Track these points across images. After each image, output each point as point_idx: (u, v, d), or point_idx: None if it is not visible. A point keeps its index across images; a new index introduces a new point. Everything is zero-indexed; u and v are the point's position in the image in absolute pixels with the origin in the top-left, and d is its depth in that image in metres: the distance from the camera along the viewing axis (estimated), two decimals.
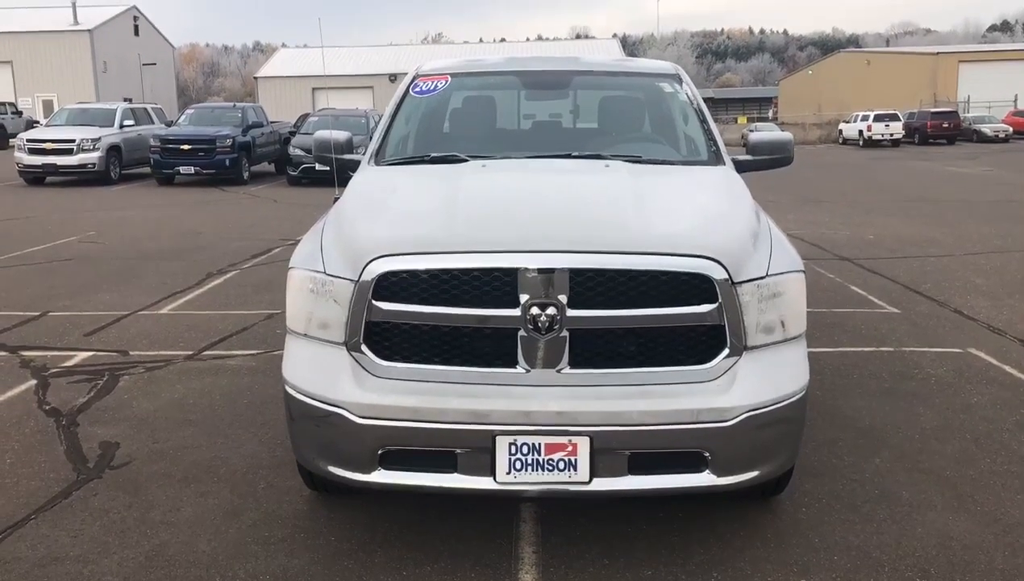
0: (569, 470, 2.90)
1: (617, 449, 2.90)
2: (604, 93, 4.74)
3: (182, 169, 20.11)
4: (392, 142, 4.36)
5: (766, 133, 4.55)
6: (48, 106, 45.68)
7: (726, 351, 2.97)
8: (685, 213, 3.35)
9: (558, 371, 2.94)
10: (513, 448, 2.89)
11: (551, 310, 2.87)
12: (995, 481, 3.82)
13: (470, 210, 3.24)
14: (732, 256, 2.97)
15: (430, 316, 2.91)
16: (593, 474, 2.91)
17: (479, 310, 2.89)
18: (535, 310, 2.87)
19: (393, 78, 50.53)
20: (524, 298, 2.86)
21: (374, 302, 2.93)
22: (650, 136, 4.48)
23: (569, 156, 4.03)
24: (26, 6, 52.44)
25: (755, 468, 3.03)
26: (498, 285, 2.88)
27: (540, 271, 2.86)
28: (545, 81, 4.80)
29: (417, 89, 4.58)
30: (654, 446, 2.92)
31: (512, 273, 2.87)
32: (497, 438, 2.89)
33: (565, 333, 2.90)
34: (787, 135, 4.50)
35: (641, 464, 2.94)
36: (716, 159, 4.16)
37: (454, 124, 4.66)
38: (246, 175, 20.95)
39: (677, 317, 2.93)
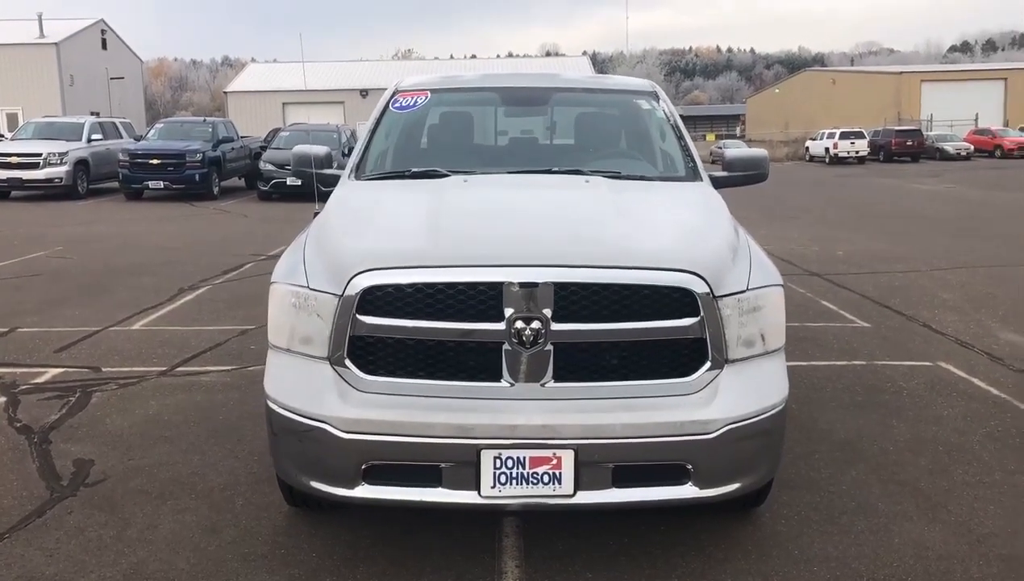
0: (553, 483, 2.91)
1: (601, 462, 2.91)
2: (581, 110, 4.79)
3: (151, 184, 19.95)
4: (372, 157, 4.37)
5: (743, 150, 4.62)
6: (12, 120, 45.02)
7: (708, 364, 3.00)
8: (666, 228, 3.39)
9: (542, 385, 2.95)
10: (498, 462, 2.90)
11: (535, 324, 2.88)
12: (968, 492, 3.88)
13: (454, 224, 3.25)
14: (713, 270, 3.01)
15: (415, 330, 2.91)
16: (577, 487, 2.92)
17: (464, 324, 2.90)
18: (519, 324, 2.88)
19: (365, 94, 50.45)
20: (509, 312, 2.88)
21: (358, 316, 2.92)
22: (628, 152, 4.53)
23: (550, 171, 4.06)
24: None
25: (737, 480, 3.06)
26: (483, 299, 2.89)
27: (524, 285, 2.88)
28: (524, 97, 4.84)
29: (397, 105, 4.59)
30: (637, 459, 2.93)
31: (497, 287, 2.89)
32: (482, 452, 2.89)
33: (549, 347, 2.91)
34: (762, 152, 4.57)
35: (625, 477, 2.95)
36: (693, 175, 4.22)
37: (433, 139, 4.67)
38: (216, 190, 20.83)
39: (660, 330, 2.95)
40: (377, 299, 2.92)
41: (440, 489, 2.93)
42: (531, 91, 4.87)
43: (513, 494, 2.91)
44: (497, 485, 2.90)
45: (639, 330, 2.93)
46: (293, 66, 49.85)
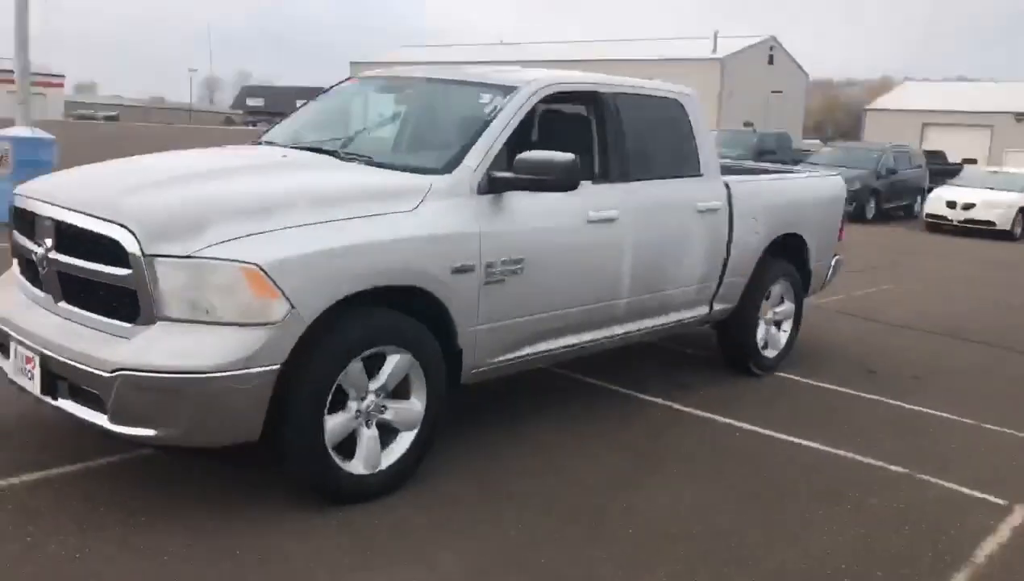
0: (32, 380, 3.57)
1: (56, 374, 3.47)
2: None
3: None
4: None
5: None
6: None
7: (138, 315, 3.31)
8: (208, 191, 3.67)
9: (56, 302, 3.63)
10: (16, 351, 3.68)
11: (37, 250, 3.60)
12: None
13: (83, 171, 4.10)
14: (148, 227, 3.29)
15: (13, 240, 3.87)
16: (49, 392, 3.52)
17: (28, 242, 3.75)
18: (38, 249, 3.63)
19: (1021, 117, 44.29)
20: (42, 240, 3.64)
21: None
22: (421, 144, 4.56)
23: (317, 150, 4.47)
24: (669, 36, 59.14)
25: (149, 426, 3.28)
26: (33, 225, 3.71)
27: (41, 217, 3.62)
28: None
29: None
30: (71, 378, 3.41)
31: (32, 217, 3.68)
32: (10, 343, 3.71)
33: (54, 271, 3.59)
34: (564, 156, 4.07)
35: (75, 393, 3.45)
36: (445, 169, 4.06)
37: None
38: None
39: (101, 274, 3.39)
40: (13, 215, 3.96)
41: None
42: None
43: (18, 381, 3.67)
44: (17, 372, 3.69)
45: (86, 269, 3.43)
46: (945, 85, 46.12)
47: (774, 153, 22.70)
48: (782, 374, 6.25)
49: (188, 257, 3.25)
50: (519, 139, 4.44)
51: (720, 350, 6.28)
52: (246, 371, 3.27)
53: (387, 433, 3.84)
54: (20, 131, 10.53)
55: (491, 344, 4.17)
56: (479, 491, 3.94)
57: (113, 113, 79.92)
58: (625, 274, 4.81)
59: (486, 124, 4.25)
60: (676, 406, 5.35)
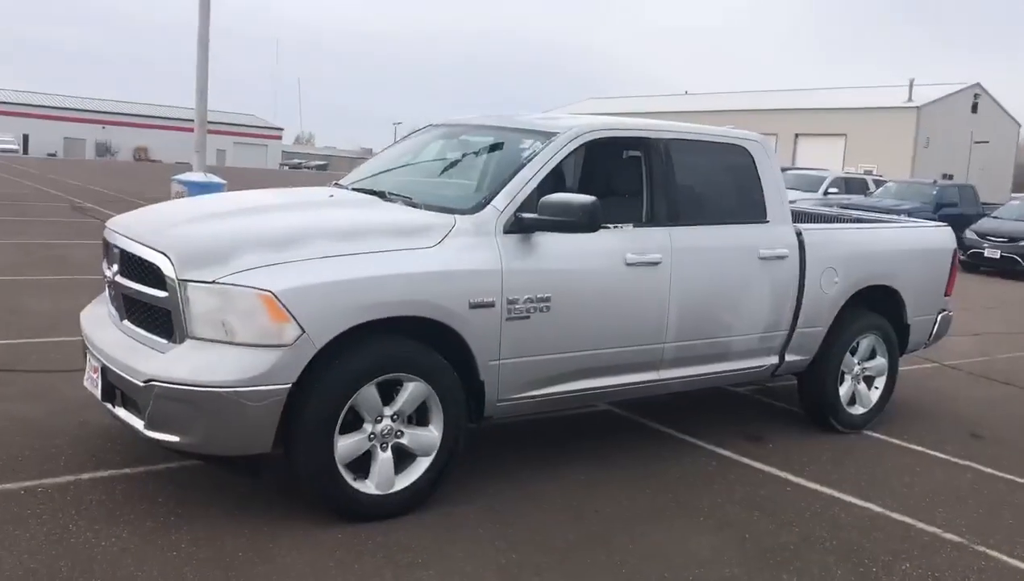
0: (97, 388, 4.08)
1: (113, 383, 3.96)
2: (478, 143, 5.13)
3: None
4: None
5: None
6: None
7: (174, 333, 3.75)
8: (242, 225, 4.05)
9: (121, 320, 4.15)
10: (89, 361, 4.22)
11: (109, 274, 4.14)
12: None
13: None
14: (182, 254, 3.72)
15: None
16: (108, 399, 4.02)
17: (105, 267, 4.31)
18: (108, 273, 4.18)
19: None
20: (112, 265, 4.19)
21: None
22: (454, 184, 4.74)
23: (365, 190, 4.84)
24: (866, 85, 56.70)
25: (175, 433, 3.68)
26: (107, 252, 4.27)
27: (112, 247, 4.16)
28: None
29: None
30: (120, 386, 3.88)
31: (108, 246, 4.23)
32: (87, 354, 4.26)
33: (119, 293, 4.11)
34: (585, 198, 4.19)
35: (125, 401, 3.92)
36: (475, 209, 4.29)
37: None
38: None
39: (146, 295, 3.86)
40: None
41: None
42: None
43: (89, 387, 4.19)
44: (88, 378, 4.23)
45: (138, 291, 3.92)
46: None
47: (955, 205, 21.26)
48: (871, 432, 5.95)
49: (214, 282, 3.65)
50: (557, 182, 4.60)
51: (800, 404, 6.07)
52: (258, 388, 3.60)
53: (404, 457, 4.06)
54: (195, 176, 11.77)
55: (516, 379, 4.31)
56: (485, 517, 4.07)
57: (323, 162, 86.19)
58: (670, 318, 4.81)
59: (520, 167, 4.45)
60: (733, 455, 5.24)
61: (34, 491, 3.98)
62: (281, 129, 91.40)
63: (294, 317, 3.62)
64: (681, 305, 4.84)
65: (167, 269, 3.73)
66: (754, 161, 5.38)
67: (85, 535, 3.61)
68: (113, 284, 4.17)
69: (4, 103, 71.09)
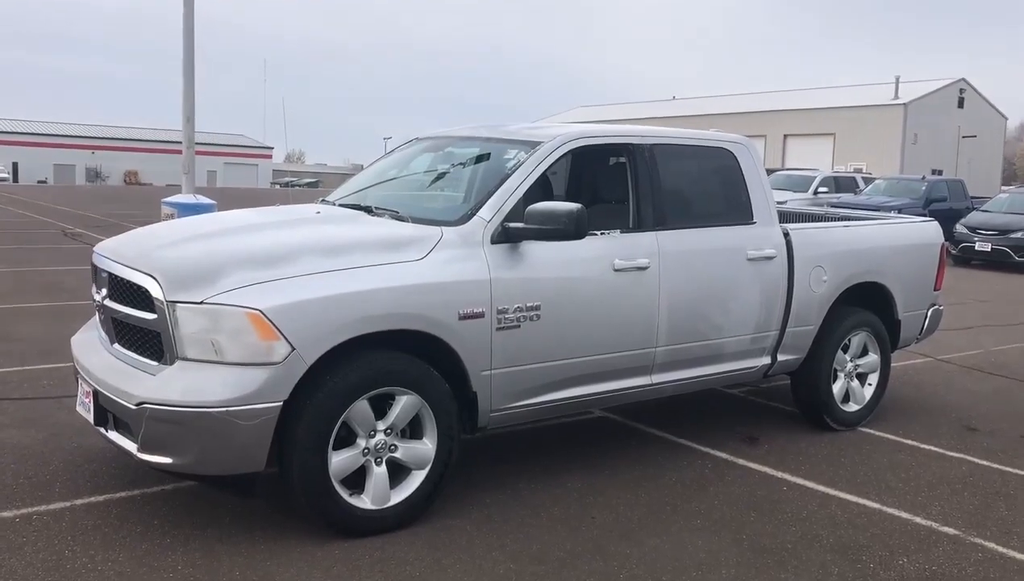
0: (89, 412, 4.08)
1: (105, 407, 3.96)
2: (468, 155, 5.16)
3: None
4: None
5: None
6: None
7: (164, 355, 3.75)
8: (228, 244, 4.06)
9: (111, 344, 4.15)
10: (80, 385, 4.22)
11: (98, 298, 4.14)
12: None
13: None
14: (170, 276, 3.73)
15: None
16: (100, 422, 4.02)
17: (94, 291, 4.32)
18: (97, 297, 4.18)
19: None
20: (100, 289, 4.20)
21: None
22: (439, 197, 4.75)
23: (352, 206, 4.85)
24: (852, 84, 56.97)
25: (168, 455, 3.68)
26: (96, 276, 4.28)
27: (102, 271, 4.17)
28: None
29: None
30: (112, 409, 3.88)
31: (96, 270, 4.24)
32: (78, 378, 4.26)
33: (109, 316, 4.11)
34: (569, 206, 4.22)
35: (117, 424, 3.92)
36: (461, 220, 4.30)
37: None
38: None
39: (135, 318, 3.86)
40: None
41: None
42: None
43: (81, 412, 4.19)
44: (80, 403, 4.23)
45: (127, 315, 3.91)
46: None
47: (945, 200, 21.35)
48: (865, 429, 5.96)
49: (202, 302, 3.65)
50: (543, 191, 4.63)
51: (795, 403, 6.08)
52: (249, 407, 3.60)
53: (400, 471, 4.06)
54: (184, 198, 11.77)
55: (508, 388, 4.32)
56: (482, 528, 4.07)
57: (314, 180, 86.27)
58: (660, 322, 4.83)
59: (505, 178, 4.46)
60: (728, 457, 5.25)
61: (29, 518, 3.98)
62: (271, 148, 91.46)
63: (283, 334, 3.63)
64: (671, 309, 4.86)
65: (155, 291, 3.74)
66: (739, 163, 5.41)
67: (81, 560, 3.61)
68: (102, 308, 4.18)
69: None
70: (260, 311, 3.62)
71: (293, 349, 3.65)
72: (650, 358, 4.86)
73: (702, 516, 4.35)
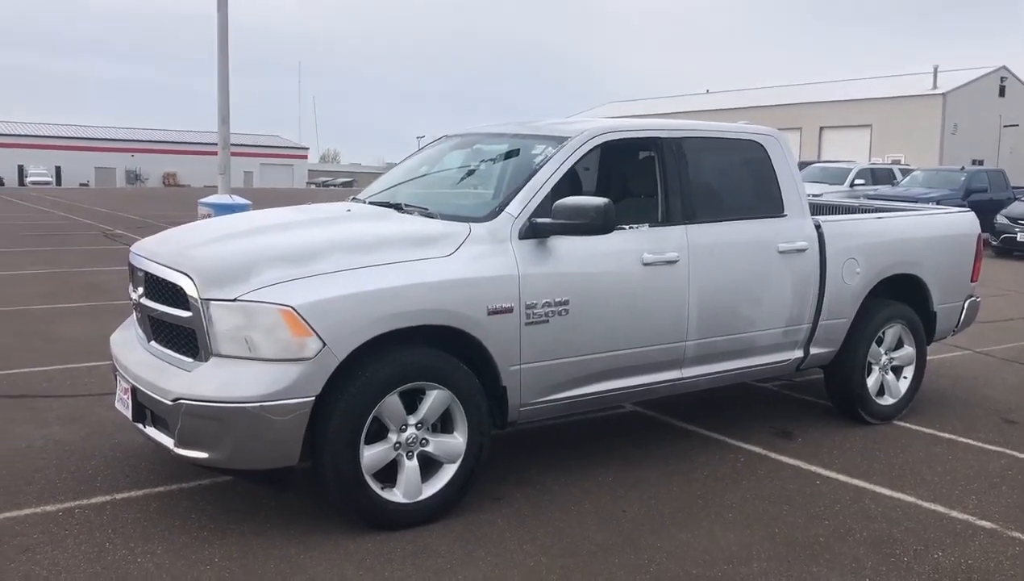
0: (128, 408, 4.18)
1: (143, 403, 4.05)
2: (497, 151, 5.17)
3: None
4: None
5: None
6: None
7: (199, 352, 3.83)
8: (261, 242, 4.12)
9: (148, 342, 4.24)
10: (119, 383, 4.32)
11: (135, 297, 4.23)
12: None
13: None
14: (204, 274, 3.80)
15: None
16: (139, 419, 4.10)
17: (131, 290, 4.41)
18: (134, 296, 4.27)
19: None
20: (137, 288, 4.29)
21: None
22: (468, 193, 4.77)
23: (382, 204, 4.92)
24: (889, 74, 56.08)
25: (203, 449, 3.76)
26: (133, 275, 4.37)
27: (138, 270, 4.26)
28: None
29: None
30: (150, 405, 3.96)
31: (132, 269, 4.33)
32: (117, 375, 4.36)
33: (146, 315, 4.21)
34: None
35: (155, 420, 4.01)
36: (490, 215, 4.33)
37: None
38: None
39: (172, 316, 3.95)
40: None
41: None
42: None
43: (120, 409, 4.29)
44: (119, 399, 4.33)
45: (162, 312, 4.00)
46: None
47: (985, 191, 20.96)
48: (901, 423, 5.90)
49: (235, 300, 3.72)
50: (571, 186, 4.64)
51: (828, 397, 6.03)
52: (283, 402, 3.67)
53: (431, 464, 4.10)
54: (221, 198, 11.95)
55: (537, 383, 4.34)
56: (512, 522, 4.10)
57: (349, 180, 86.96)
58: (690, 316, 4.82)
59: (533, 173, 4.49)
60: (761, 451, 5.22)
61: (72, 512, 4.08)
62: (307, 148, 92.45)
63: (315, 330, 3.69)
64: (701, 302, 4.85)
65: (190, 289, 3.81)
66: (768, 155, 5.37)
67: (121, 552, 3.70)
68: (139, 306, 4.27)
69: (37, 136, 72.54)
70: (292, 308, 3.68)
71: (325, 345, 3.70)
72: (680, 352, 4.85)
73: (734, 510, 4.34)
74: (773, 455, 5.16)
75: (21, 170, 68.55)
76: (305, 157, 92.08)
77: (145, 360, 4.15)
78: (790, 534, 4.08)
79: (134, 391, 4.07)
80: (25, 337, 7.90)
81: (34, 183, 63.01)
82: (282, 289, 3.74)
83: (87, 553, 3.68)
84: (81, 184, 67.68)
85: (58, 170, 70.28)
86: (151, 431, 4.00)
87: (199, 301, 3.77)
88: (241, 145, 76.69)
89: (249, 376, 3.69)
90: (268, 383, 3.66)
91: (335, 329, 3.73)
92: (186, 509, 4.15)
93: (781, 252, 5.21)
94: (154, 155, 76.78)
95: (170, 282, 3.96)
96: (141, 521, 4.01)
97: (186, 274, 3.87)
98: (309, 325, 3.68)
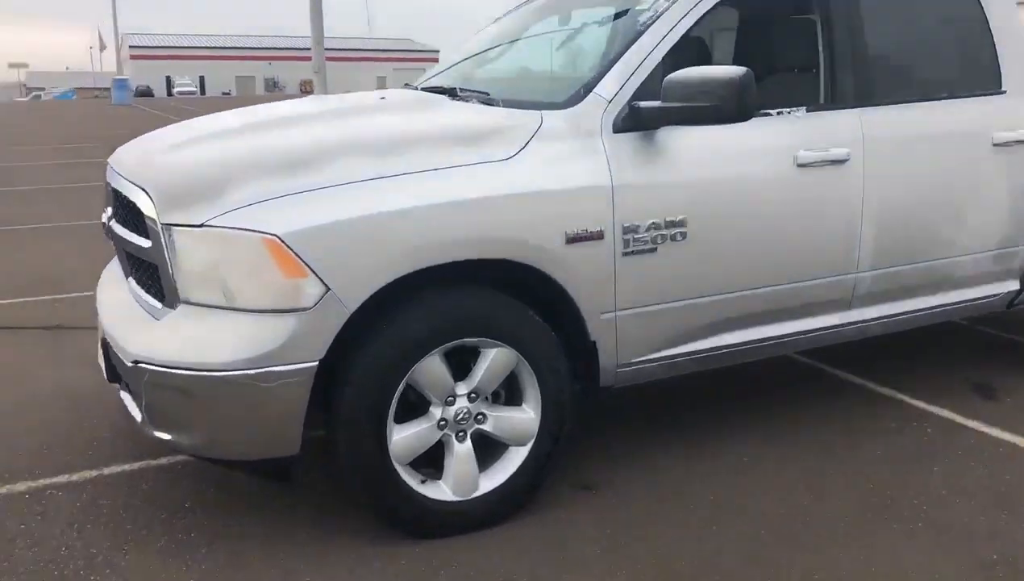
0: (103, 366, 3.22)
1: (113, 361, 3.07)
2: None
3: None
4: None
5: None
6: None
7: (163, 297, 2.79)
8: (245, 144, 3.02)
9: (127, 278, 3.25)
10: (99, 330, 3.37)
11: (103, 218, 3.22)
12: None
13: None
14: (163, 189, 2.74)
15: None
16: (114, 378, 3.14)
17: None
18: (103, 218, 3.27)
19: None
20: (106, 208, 3.29)
21: None
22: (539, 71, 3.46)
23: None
24: None
25: (171, 431, 2.76)
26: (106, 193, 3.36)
27: (108, 185, 3.24)
28: None
29: None
30: (116, 364, 2.98)
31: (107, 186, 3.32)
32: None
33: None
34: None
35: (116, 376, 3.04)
36: (574, 100, 3.06)
37: None
38: None
39: (133, 246, 2.92)
40: None
41: None
42: None
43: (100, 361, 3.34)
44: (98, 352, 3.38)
45: (126, 241, 2.98)
46: None
47: None
48: None
49: (202, 225, 2.64)
50: (691, 56, 3.28)
51: None
52: (268, 369, 2.59)
53: (492, 448, 2.98)
54: None
55: (640, 335, 3.11)
56: (597, 526, 2.95)
57: None
58: (864, 238, 3.44)
59: (636, 37, 3.14)
60: (956, 417, 3.85)
61: (100, 479, 3.21)
62: (437, 51, 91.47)
63: (312, 269, 2.57)
64: (879, 219, 3.46)
65: (147, 209, 2.77)
66: (982, 7, 3.81)
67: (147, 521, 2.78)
68: (108, 231, 3.26)
69: (183, 48, 74.73)
70: (278, 237, 2.56)
71: (328, 289, 2.59)
72: (849, 288, 3.50)
73: (920, 514, 3.03)
74: (973, 424, 3.78)
75: (168, 81, 70.88)
76: (436, 60, 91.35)
77: (121, 300, 3.16)
78: (1013, 556, 2.75)
79: (104, 344, 3.11)
80: None
81: (180, 93, 65.08)
82: (265, 209, 2.62)
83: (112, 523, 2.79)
84: (223, 93, 69.33)
85: (201, 80, 72.30)
86: (125, 398, 3.03)
87: (158, 225, 2.71)
88: (374, 50, 76.58)
89: (226, 333, 2.62)
90: (251, 343, 2.59)
91: (341, 266, 2.61)
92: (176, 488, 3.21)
93: (997, 145, 3.72)
94: (292, 62, 77.64)
95: (130, 200, 2.92)
96: (158, 489, 3.10)
97: (143, 189, 2.81)
98: (303, 261, 2.57)
